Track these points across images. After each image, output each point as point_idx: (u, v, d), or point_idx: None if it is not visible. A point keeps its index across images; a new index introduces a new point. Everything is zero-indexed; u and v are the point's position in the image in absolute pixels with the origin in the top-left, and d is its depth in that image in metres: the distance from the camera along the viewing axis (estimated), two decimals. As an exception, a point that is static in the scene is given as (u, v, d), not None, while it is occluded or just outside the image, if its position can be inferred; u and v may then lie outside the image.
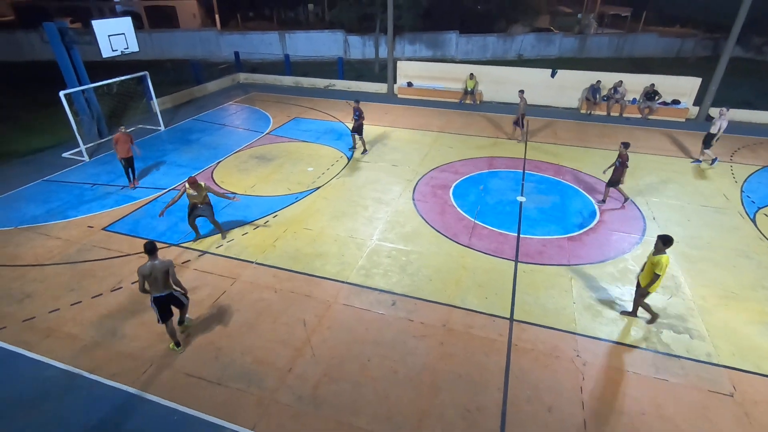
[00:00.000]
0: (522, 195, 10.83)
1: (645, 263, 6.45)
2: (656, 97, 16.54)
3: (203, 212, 8.47)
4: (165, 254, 8.44)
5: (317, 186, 11.22)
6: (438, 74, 19.39)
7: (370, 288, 7.60)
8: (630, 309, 6.97)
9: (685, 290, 7.62)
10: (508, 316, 7.02)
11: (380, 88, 20.23)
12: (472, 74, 18.37)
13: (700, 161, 12.72)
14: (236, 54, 23.39)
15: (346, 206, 10.23)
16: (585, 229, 9.44)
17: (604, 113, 17.26)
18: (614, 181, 9.97)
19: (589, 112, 17.42)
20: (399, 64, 19.92)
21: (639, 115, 16.88)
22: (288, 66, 22.41)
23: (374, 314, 7.02)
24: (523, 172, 12.06)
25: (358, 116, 12.71)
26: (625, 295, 7.45)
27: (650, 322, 6.84)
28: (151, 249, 5.76)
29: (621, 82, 16.85)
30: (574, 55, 28.26)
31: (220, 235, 8.97)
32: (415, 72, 19.68)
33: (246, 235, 9.10)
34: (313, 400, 5.59)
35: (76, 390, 5.73)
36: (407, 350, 6.35)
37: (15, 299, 7.29)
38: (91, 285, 7.60)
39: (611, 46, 28.47)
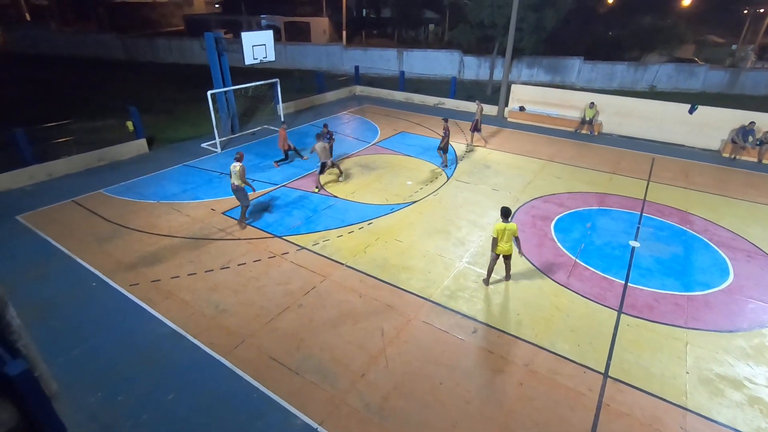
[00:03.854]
0: (636, 239, 9.72)
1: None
2: (830, 147, 13.74)
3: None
4: (268, 244, 9.25)
5: (414, 200, 11.36)
6: (554, 100, 18.45)
7: (453, 310, 7.42)
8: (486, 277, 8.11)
9: None
10: (602, 370, 6.30)
11: (490, 110, 19.87)
12: (592, 103, 17.14)
13: None
14: (356, 68, 24.92)
15: (440, 224, 10.18)
16: (712, 290, 8.12)
17: (755, 159, 14.78)
18: (441, 148, 13.19)
19: (733, 156, 15.07)
20: (513, 87, 19.41)
21: (802, 167, 14.16)
22: (402, 82, 23.22)
23: (453, 338, 6.84)
24: (641, 215, 10.83)
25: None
26: (758, 377, 6.22)
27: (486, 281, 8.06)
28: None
29: (782, 125, 14.33)
30: (722, 91, 24.74)
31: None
32: (529, 96, 18.99)
33: (341, 238, 9.54)
34: (380, 410, 5.61)
35: (179, 350, 6.51)
36: (483, 382, 6.06)
37: (148, 262, 8.58)
38: (206, 260, 8.62)
39: (773, 83, 24.36)
